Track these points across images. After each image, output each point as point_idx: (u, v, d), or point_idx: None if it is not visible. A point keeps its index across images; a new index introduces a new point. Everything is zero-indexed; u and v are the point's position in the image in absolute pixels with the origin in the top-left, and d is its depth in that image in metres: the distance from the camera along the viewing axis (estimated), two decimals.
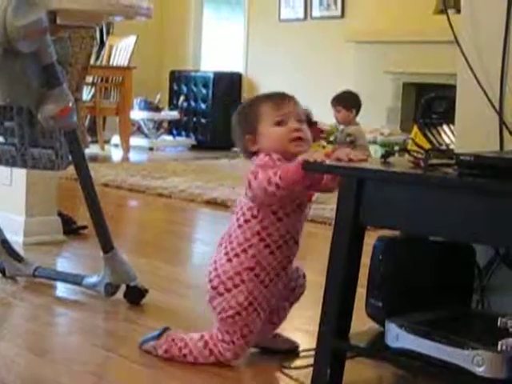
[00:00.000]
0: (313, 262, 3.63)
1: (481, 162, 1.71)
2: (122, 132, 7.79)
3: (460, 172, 1.74)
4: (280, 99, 2.17)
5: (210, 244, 3.55)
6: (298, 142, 2.12)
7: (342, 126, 5.76)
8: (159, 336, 2.19)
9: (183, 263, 3.56)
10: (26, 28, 2.41)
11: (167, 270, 3.23)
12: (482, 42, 2.14)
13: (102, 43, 8.63)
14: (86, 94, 7.47)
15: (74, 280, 2.86)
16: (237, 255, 2.12)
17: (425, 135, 2.27)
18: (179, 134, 9.06)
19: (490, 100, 2.10)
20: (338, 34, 7.69)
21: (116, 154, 7.91)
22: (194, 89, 9.03)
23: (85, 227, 3.78)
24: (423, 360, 1.77)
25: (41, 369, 2.12)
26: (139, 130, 8.71)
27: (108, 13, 2.79)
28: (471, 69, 2.12)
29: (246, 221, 2.12)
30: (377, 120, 6.99)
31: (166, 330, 2.21)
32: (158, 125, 8.78)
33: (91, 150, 7.25)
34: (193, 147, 8.86)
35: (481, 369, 1.67)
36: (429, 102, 2.36)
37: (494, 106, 2.10)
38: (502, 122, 2.10)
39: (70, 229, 3.79)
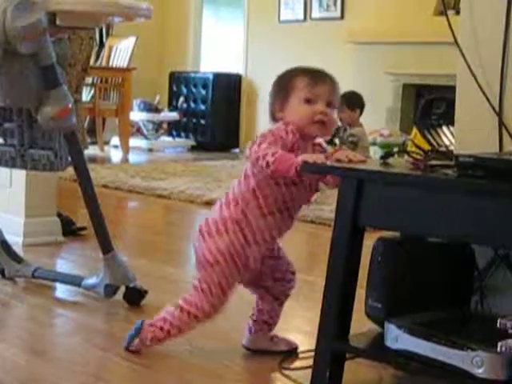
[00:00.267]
0: (312, 262, 3.64)
1: (480, 163, 1.71)
2: (122, 133, 7.79)
3: (459, 173, 1.74)
4: (317, 78, 2.15)
5: None
6: (320, 125, 2.11)
7: (341, 125, 5.78)
8: (139, 330, 2.20)
9: (183, 264, 3.56)
10: (25, 29, 2.41)
11: (166, 271, 3.23)
12: (482, 43, 2.14)
13: (102, 44, 8.64)
14: (86, 95, 7.47)
15: (74, 281, 2.86)
16: (228, 206, 2.13)
17: (424, 136, 2.27)
18: (179, 135, 9.06)
19: (489, 101, 2.10)
20: (338, 36, 7.69)
21: (115, 155, 7.91)
22: (194, 90, 9.04)
23: (84, 228, 3.78)
24: (422, 361, 1.77)
25: (39, 370, 2.12)
26: (139, 131, 8.72)
27: (108, 14, 2.79)
28: (471, 70, 2.12)
29: (246, 176, 2.13)
30: (376, 121, 7.00)
31: (142, 322, 2.21)
32: (158, 126, 8.79)
33: (90, 151, 7.25)
34: (192, 148, 8.86)
35: (480, 370, 1.67)
36: (428, 103, 2.36)
37: (493, 108, 2.10)
38: (501, 123, 2.10)
39: (70, 230, 3.79)
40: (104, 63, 8.26)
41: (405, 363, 1.82)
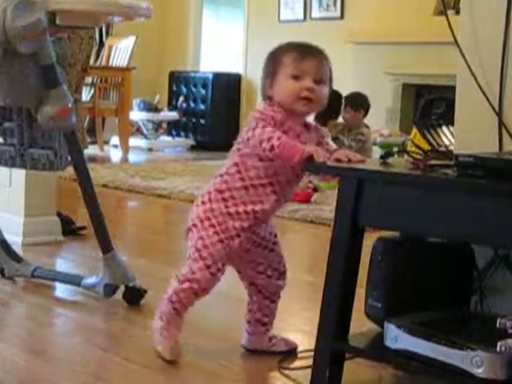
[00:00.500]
0: (312, 262, 3.64)
1: (480, 163, 1.71)
2: (122, 133, 7.79)
3: (459, 173, 1.74)
4: (304, 53, 2.13)
5: None
6: (306, 101, 2.09)
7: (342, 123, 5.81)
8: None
9: (182, 264, 3.55)
10: (25, 29, 2.41)
11: (166, 270, 3.23)
12: (482, 43, 2.14)
13: (102, 44, 8.64)
14: (86, 94, 7.47)
15: (73, 280, 2.86)
16: (215, 177, 2.18)
17: (424, 136, 2.26)
18: (178, 135, 9.06)
19: (489, 101, 2.10)
20: (338, 35, 7.69)
21: (115, 155, 7.91)
22: (194, 89, 9.04)
23: (84, 228, 3.78)
24: (422, 361, 1.76)
25: (39, 369, 2.12)
26: (138, 131, 8.72)
27: (107, 13, 2.79)
28: (470, 70, 2.12)
29: (234, 151, 2.17)
30: (376, 121, 6.99)
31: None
32: (158, 125, 8.79)
33: (90, 150, 7.25)
34: (192, 148, 8.86)
35: (480, 370, 1.67)
36: (428, 103, 2.36)
37: (493, 107, 2.10)
38: (501, 123, 2.10)
39: (69, 229, 3.79)
40: (104, 63, 8.26)
41: (404, 363, 1.82)
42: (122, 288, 2.73)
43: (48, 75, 2.53)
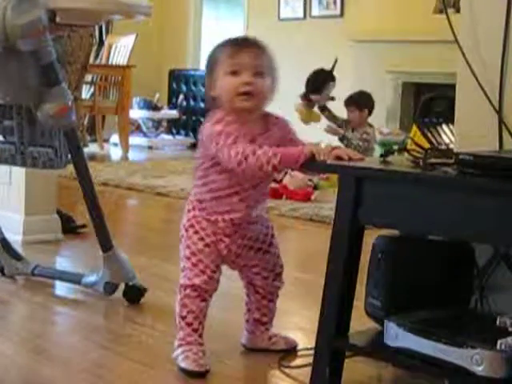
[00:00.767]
0: (311, 261, 3.64)
1: (480, 162, 1.71)
2: (121, 131, 7.78)
3: (459, 171, 1.74)
4: (238, 47, 2.05)
5: None
6: (246, 96, 2.03)
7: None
8: None
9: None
10: (25, 27, 2.41)
11: (166, 268, 3.23)
12: (482, 41, 2.14)
13: (102, 42, 8.63)
14: (85, 92, 7.46)
15: (73, 279, 2.86)
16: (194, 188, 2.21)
17: (424, 134, 2.27)
18: (178, 133, 9.06)
19: (489, 99, 2.10)
20: (338, 34, 7.68)
21: (115, 153, 7.90)
22: (194, 88, 9.03)
23: (84, 226, 3.78)
24: (422, 359, 1.76)
25: (39, 367, 2.12)
26: (138, 129, 8.71)
27: (107, 11, 2.79)
28: (471, 68, 2.12)
29: (197, 167, 2.23)
30: (376, 119, 6.99)
31: None
32: (158, 124, 8.78)
33: (90, 148, 7.26)
34: (192, 146, 8.85)
35: (480, 368, 1.67)
36: (428, 102, 2.36)
37: (493, 106, 2.10)
38: (501, 122, 2.10)
39: (69, 227, 3.79)
40: (104, 61, 8.25)
41: (404, 361, 1.83)
42: (122, 286, 2.73)
43: (48, 73, 2.53)
